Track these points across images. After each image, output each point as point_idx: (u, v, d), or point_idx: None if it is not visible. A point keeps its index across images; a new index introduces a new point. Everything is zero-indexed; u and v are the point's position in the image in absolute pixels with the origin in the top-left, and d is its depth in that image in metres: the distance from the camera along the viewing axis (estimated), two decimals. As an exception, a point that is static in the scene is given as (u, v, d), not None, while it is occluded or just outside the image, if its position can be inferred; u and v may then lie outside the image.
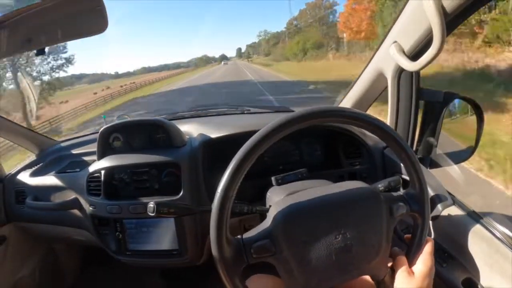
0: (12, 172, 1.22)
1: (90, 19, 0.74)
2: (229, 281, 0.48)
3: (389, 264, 0.55)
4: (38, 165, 1.23)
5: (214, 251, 0.47)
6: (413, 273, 0.53)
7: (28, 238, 1.27)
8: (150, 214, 0.63)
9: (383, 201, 0.53)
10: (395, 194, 0.56)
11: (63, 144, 1.33)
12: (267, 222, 0.51)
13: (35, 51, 0.72)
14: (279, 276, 0.51)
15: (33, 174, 1.18)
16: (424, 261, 0.54)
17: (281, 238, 0.48)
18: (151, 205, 0.62)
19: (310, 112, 0.49)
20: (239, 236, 0.50)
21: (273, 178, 0.73)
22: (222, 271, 0.47)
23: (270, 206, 0.59)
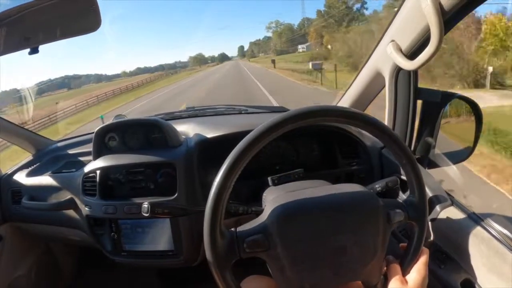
0: (9, 172, 1.22)
1: (84, 17, 0.74)
2: (219, 275, 0.47)
3: (383, 271, 0.55)
4: (34, 165, 1.23)
5: (207, 242, 0.46)
6: (406, 282, 0.52)
7: (25, 238, 1.27)
8: (144, 214, 0.62)
9: (381, 207, 0.52)
10: (393, 200, 0.55)
11: (59, 144, 1.32)
12: (263, 217, 0.51)
13: (28, 50, 0.71)
14: None
15: (29, 174, 1.17)
16: (418, 270, 0.53)
17: (276, 234, 0.48)
18: (145, 205, 0.62)
19: (305, 112, 0.48)
20: (233, 229, 0.49)
21: (269, 179, 0.72)
22: (213, 263, 0.47)
23: (266, 206, 0.58)
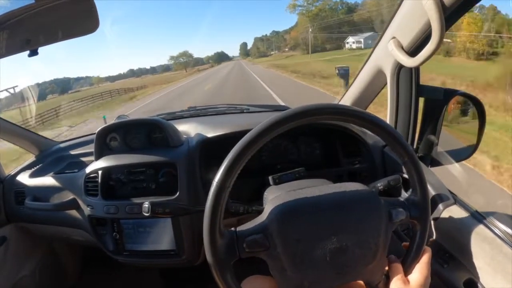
0: (12, 173, 1.23)
1: (84, 19, 0.75)
2: (219, 275, 0.47)
3: (384, 271, 0.54)
4: (37, 166, 1.24)
5: (206, 241, 0.46)
6: (408, 282, 0.52)
7: (28, 238, 1.28)
8: (145, 214, 0.62)
9: (383, 205, 0.52)
10: (395, 199, 0.55)
11: (62, 145, 1.34)
12: (262, 217, 0.51)
13: (28, 52, 0.72)
14: None
15: (32, 175, 1.18)
16: (420, 270, 0.52)
17: (276, 233, 0.47)
18: (146, 205, 0.62)
19: (307, 109, 0.47)
20: (232, 229, 0.49)
21: (270, 178, 0.72)
22: (213, 263, 0.46)
23: (266, 205, 0.58)
